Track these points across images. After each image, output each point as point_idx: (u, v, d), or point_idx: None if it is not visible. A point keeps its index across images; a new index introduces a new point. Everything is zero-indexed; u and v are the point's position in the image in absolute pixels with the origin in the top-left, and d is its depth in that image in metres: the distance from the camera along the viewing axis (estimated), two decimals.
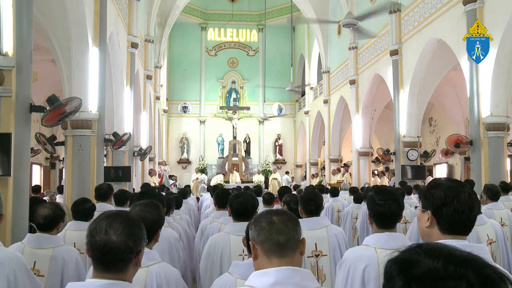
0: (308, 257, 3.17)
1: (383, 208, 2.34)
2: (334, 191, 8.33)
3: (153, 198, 3.32)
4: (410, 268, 0.75)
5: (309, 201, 3.31)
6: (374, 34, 13.05)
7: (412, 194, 8.01)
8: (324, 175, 19.97)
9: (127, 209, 4.86)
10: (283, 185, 20.99)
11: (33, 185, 10.53)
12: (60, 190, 10.29)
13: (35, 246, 2.91)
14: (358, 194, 7.55)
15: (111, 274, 1.52)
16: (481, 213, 3.78)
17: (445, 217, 1.60)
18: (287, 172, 23.70)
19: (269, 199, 5.42)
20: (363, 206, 6.89)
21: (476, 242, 3.55)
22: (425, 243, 0.81)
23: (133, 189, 10.90)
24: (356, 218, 6.96)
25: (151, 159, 17.43)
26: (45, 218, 2.96)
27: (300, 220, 3.24)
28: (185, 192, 8.75)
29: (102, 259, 1.52)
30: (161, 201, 4.11)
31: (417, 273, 0.74)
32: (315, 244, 3.20)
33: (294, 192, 10.16)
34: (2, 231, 4.58)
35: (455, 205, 1.58)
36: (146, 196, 3.35)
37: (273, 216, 1.55)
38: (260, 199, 6.95)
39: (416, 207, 1.84)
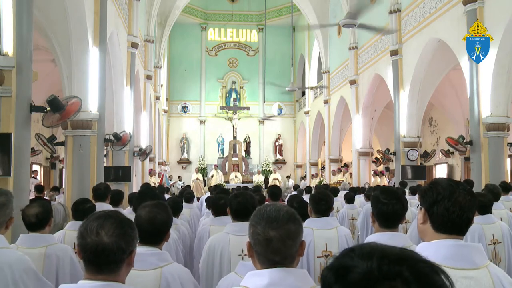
0: (318, 257, 3.17)
1: (387, 208, 2.36)
2: (334, 191, 8.34)
3: (152, 199, 3.31)
4: (345, 274, 0.73)
5: (320, 201, 3.29)
6: (380, 29, 12.93)
7: (409, 194, 8.03)
8: (324, 175, 19.98)
9: (122, 209, 4.89)
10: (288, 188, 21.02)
11: (35, 184, 10.52)
12: (55, 190, 10.27)
13: (28, 246, 2.90)
14: (349, 194, 7.53)
15: (104, 275, 1.50)
16: (491, 213, 3.78)
17: (436, 215, 1.62)
18: (288, 177, 23.85)
19: (261, 200, 5.41)
20: (364, 206, 6.89)
21: (479, 240, 3.55)
22: (359, 245, 0.79)
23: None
24: (352, 219, 6.96)
25: (151, 159, 17.43)
26: (37, 216, 2.93)
27: (311, 220, 3.29)
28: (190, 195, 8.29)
29: (94, 260, 1.50)
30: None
31: (353, 279, 0.72)
32: (325, 244, 3.19)
33: (295, 192, 10.19)
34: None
35: (445, 204, 1.60)
36: (145, 197, 3.34)
37: (270, 231, 1.42)
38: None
39: (418, 205, 1.90)
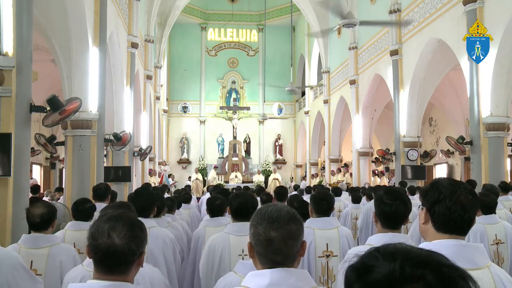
0: (319, 257, 3.18)
1: (390, 208, 2.35)
2: (336, 191, 8.36)
3: (148, 197, 3.32)
4: (367, 274, 0.72)
5: (321, 201, 3.29)
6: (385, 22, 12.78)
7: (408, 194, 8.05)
8: (324, 175, 19.98)
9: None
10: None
11: (31, 184, 10.49)
12: (59, 190, 10.28)
13: (31, 246, 2.90)
14: (356, 194, 7.56)
15: (114, 275, 1.52)
16: (495, 213, 3.79)
17: (437, 214, 1.61)
18: (292, 178, 24.14)
19: (267, 200, 5.41)
20: (364, 205, 6.89)
21: (481, 240, 3.55)
22: (385, 245, 0.78)
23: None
24: (356, 219, 6.97)
25: (151, 159, 17.43)
26: (41, 217, 2.92)
27: (312, 220, 3.30)
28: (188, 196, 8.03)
29: (105, 261, 1.52)
30: (160, 200, 4.12)
31: (374, 279, 0.71)
32: (326, 244, 3.20)
33: (295, 192, 10.19)
34: (2, 232, 4.59)
35: (447, 204, 1.58)
36: (141, 196, 3.33)
37: (272, 231, 1.41)
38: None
39: (419, 206, 1.90)
